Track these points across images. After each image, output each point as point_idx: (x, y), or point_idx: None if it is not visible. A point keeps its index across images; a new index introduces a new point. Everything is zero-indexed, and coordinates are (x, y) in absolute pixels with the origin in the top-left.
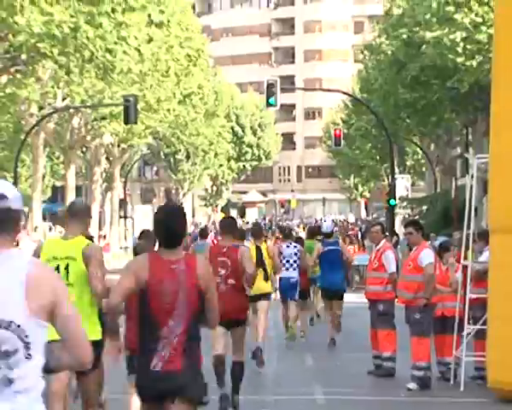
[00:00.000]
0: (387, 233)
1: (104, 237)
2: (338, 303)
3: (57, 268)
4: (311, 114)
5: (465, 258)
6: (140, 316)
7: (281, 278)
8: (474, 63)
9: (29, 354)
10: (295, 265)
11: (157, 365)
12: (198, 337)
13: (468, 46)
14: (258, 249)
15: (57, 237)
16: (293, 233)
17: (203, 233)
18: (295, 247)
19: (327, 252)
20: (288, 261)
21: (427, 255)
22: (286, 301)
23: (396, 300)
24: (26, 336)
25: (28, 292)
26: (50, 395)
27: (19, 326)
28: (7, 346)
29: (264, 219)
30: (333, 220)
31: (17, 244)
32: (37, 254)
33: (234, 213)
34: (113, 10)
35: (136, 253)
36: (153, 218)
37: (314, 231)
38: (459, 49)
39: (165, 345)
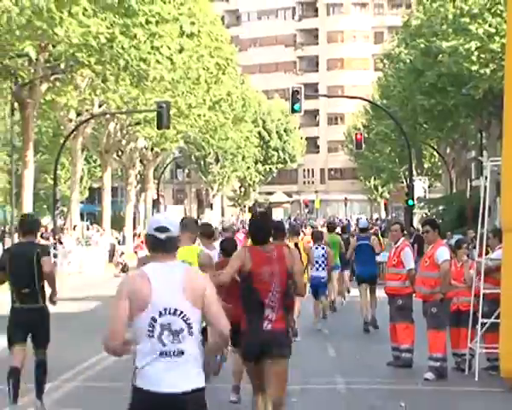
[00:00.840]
0: (405, 232)
1: (139, 235)
2: (373, 288)
3: None
4: (333, 120)
5: (480, 255)
6: (245, 294)
7: (312, 277)
8: (488, 71)
9: (191, 332)
10: (323, 265)
11: (267, 326)
12: (289, 305)
13: (482, 55)
14: (297, 246)
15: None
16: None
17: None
18: (323, 248)
19: (360, 245)
20: (316, 262)
21: (443, 253)
22: (317, 297)
23: (414, 295)
24: (188, 319)
25: (185, 289)
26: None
27: (182, 312)
28: (175, 326)
29: (290, 218)
30: (367, 219)
31: (60, 243)
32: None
33: None
34: (147, 22)
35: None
36: (250, 221)
37: (333, 227)
38: (474, 58)
39: (270, 312)
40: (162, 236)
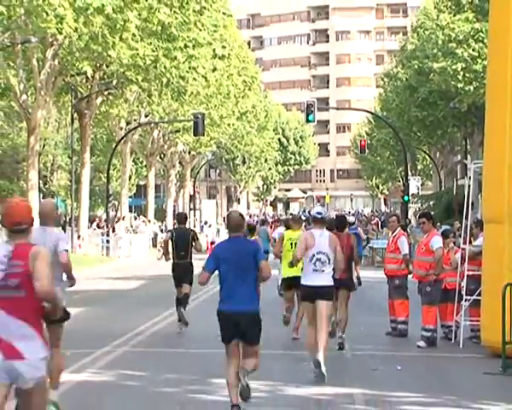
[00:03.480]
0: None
1: None
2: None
3: (291, 244)
4: (341, 128)
5: (464, 243)
6: None
7: None
8: (472, 88)
9: (329, 262)
10: None
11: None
12: (350, 266)
13: (467, 75)
14: None
15: (290, 231)
16: None
17: (264, 222)
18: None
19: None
20: None
21: (437, 241)
22: None
23: (410, 276)
24: (328, 257)
25: (329, 241)
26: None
27: (326, 253)
28: (323, 260)
29: (304, 211)
30: (353, 215)
31: (113, 230)
32: (282, 236)
33: (280, 206)
34: (186, 46)
35: None
36: (337, 220)
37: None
38: (460, 77)
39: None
40: (319, 216)
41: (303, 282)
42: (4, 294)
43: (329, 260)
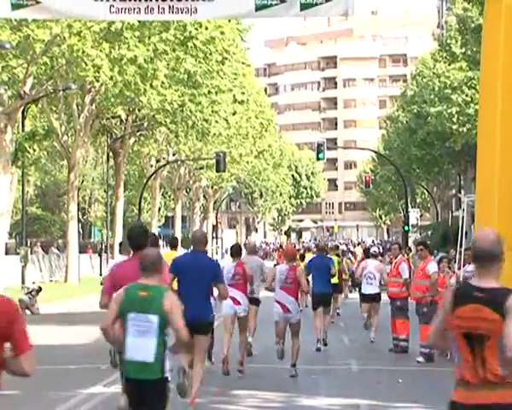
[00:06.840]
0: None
1: None
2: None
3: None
4: (348, 166)
5: (459, 268)
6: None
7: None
8: (465, 129)
9: (375, 279)
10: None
11: None
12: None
13: (461, 117)
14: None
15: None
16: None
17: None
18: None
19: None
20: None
21: (432, 266)
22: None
23: (409, 298)
24: (374, 275)
25: (376, 267)
26: None
27: (373, 273)
28: (371, 277)
29: (315, 239)
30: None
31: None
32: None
33: (293, 235)
34: (209, 92)
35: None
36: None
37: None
38: (454, 120)
39: None
40: (374, 253)
41: (362, 291)
42: (286, 285)
43: (375, 277)
